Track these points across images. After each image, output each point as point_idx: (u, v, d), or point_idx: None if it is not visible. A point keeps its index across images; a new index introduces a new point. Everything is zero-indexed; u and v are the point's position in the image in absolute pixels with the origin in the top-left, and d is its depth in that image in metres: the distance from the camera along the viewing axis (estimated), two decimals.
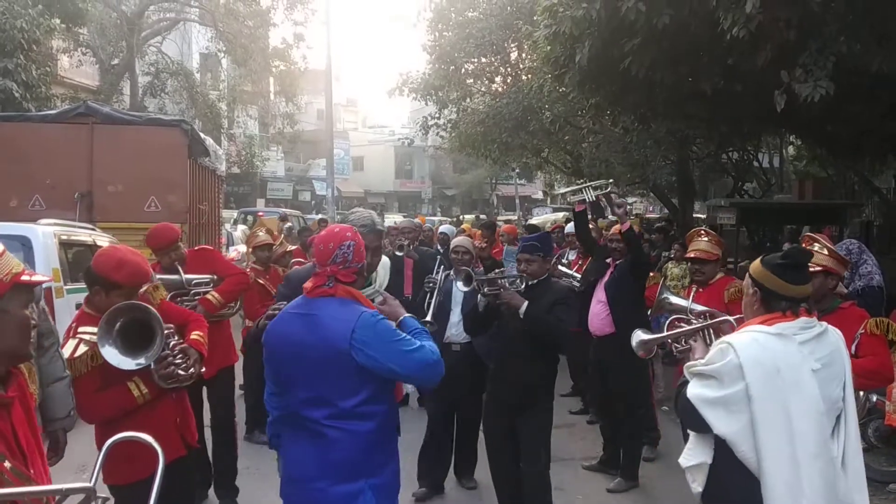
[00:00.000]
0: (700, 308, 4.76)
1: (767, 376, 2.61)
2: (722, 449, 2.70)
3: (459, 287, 4.86)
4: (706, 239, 5.37)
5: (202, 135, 12.15)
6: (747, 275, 2.88)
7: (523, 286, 4.68)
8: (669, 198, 18.87)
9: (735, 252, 12.88)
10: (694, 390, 2.73)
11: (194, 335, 3.76)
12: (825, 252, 4.03)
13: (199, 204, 11.43)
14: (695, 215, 18.75)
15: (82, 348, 3.33)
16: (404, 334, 2.89)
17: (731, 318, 3.69)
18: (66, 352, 3.36)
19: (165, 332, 3.42)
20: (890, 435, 5.91)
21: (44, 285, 2.20)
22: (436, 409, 5.83)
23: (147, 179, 10.27)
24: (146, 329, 3.31)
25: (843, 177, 17.40)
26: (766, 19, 6.03)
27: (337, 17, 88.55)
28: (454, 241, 6.21)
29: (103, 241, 8.60)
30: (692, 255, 5.33)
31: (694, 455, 2.80)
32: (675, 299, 5.17)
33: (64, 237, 7.73)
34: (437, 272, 5.90)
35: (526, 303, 4.55)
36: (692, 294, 5.19)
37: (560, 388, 7.76)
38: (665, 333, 4.33)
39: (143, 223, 9.30)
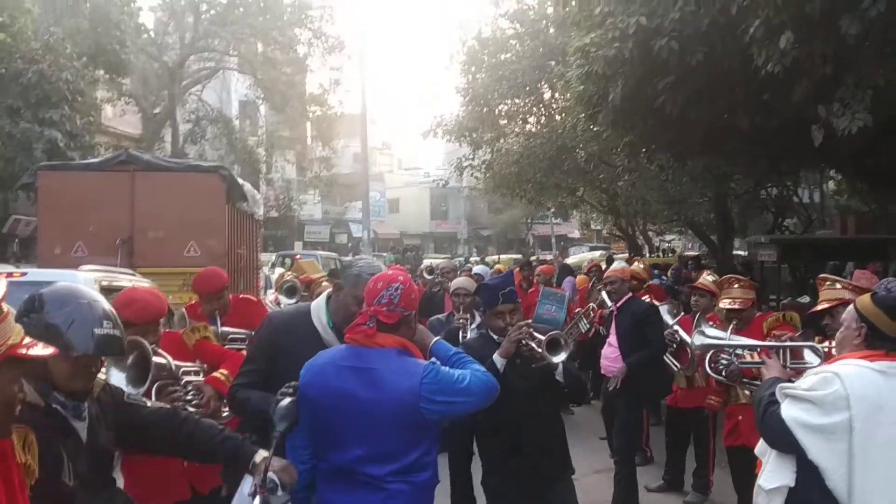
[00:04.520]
0: (741, 339, 4.68)
1: (871, 411, 2.66)
2: (806, 473, 2.73)
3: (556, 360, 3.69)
4: (738, 286, 5.27)
5: (240, 180, 12.34)
6: (852, 309, 2.91)
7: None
8: (708, 235, 18.64)
9: (777, 289, 12.65)
10: (791, 412, 2.75)
11: (217, 373, 3.77)
12: (838, 286, 3.98)
13: (237, 248, 11.57)
14: (735, 252, 18.48)
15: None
16: (456, 372, 2.84)
17: (816, 346, 3.70)
18: None
19: (183, 370, 3.47)
20: None
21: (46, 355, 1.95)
22: (455, 449, 5.62)
23: (187, 225, 10.42)
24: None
25: (885, 211, 17.04)
26: (801, 54, 5.98)
27: (371, 62, 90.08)
28: (454, 283, 6.08)
29: (143, 285, 8.72)
30: (728, 306, 5.21)
31: (777, 477, 2.82)
32: (712, 331, 5.06)
33: (105, 283, 7.84)
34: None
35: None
36: (730, 329, 5.08)
37: (598, 431, 7.68)
38: (739, 342, 4.34)
39: (183, 268, 9.47)
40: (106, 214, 10.40)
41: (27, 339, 1.86)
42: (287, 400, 2.71)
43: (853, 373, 2.72)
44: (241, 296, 6.38)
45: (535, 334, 3.72)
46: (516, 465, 3.89)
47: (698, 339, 4.55)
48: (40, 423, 2.19)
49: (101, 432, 2.45)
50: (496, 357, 3.72)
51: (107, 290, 7.82)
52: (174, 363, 3.48)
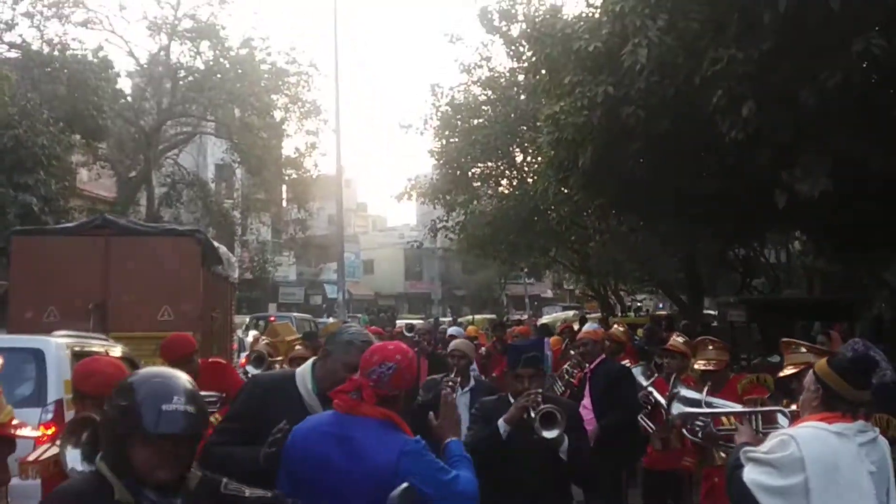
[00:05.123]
0: (717, 401, 4.75)
1: (827, 472, 2.72)
2: None
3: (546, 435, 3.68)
4: (712, 348, 5.39)
5: (216, 243, 12.34)
6: (811, 372, 3.01)
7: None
8: (678, 294, 18.87)
9: (748, 349, 12.79)
10: (751, 475, 2.83)
11: None
12: (803, 350, 4.12)
13: (211, 312, 11.50)
14: (705, 311, 18.71)
15: (50, 452, 3.16)
16: (443, 463, 2.77)
17: (785, 410, 3.86)
18: (32, 456, 3.14)
19: None
20: None
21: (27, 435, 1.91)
22: None
23: (161, 289, 10.36)
24: None
25: (850, 271, 17.40)
26: (763, 122, 6.23)
27: (347, 125, 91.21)
28: (451, 345, 6.07)
29: (116, 351, 8.62)
30: (703, 367, 5.31)
31: None
32: (688, 392, 5.13)
33: (77, 348, 7.75)
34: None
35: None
36: (705, 391, 5.15)
37: (576, 495, 7.64)
38: (713, 410, 4.43)
39: (156, 332, 9.37)
40: (79, 279, 10.30)
41: (17, 421, 1.83)
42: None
43: (809, 435, 2.80)
44: (211, 360, 6.41)
45: (541, 406, 3.70)
46: None
47: (676, 409, 4.62)
48: None
49: None
50: (500, 422, 3.76)
51: (78, 356, 7.72)
52: None
